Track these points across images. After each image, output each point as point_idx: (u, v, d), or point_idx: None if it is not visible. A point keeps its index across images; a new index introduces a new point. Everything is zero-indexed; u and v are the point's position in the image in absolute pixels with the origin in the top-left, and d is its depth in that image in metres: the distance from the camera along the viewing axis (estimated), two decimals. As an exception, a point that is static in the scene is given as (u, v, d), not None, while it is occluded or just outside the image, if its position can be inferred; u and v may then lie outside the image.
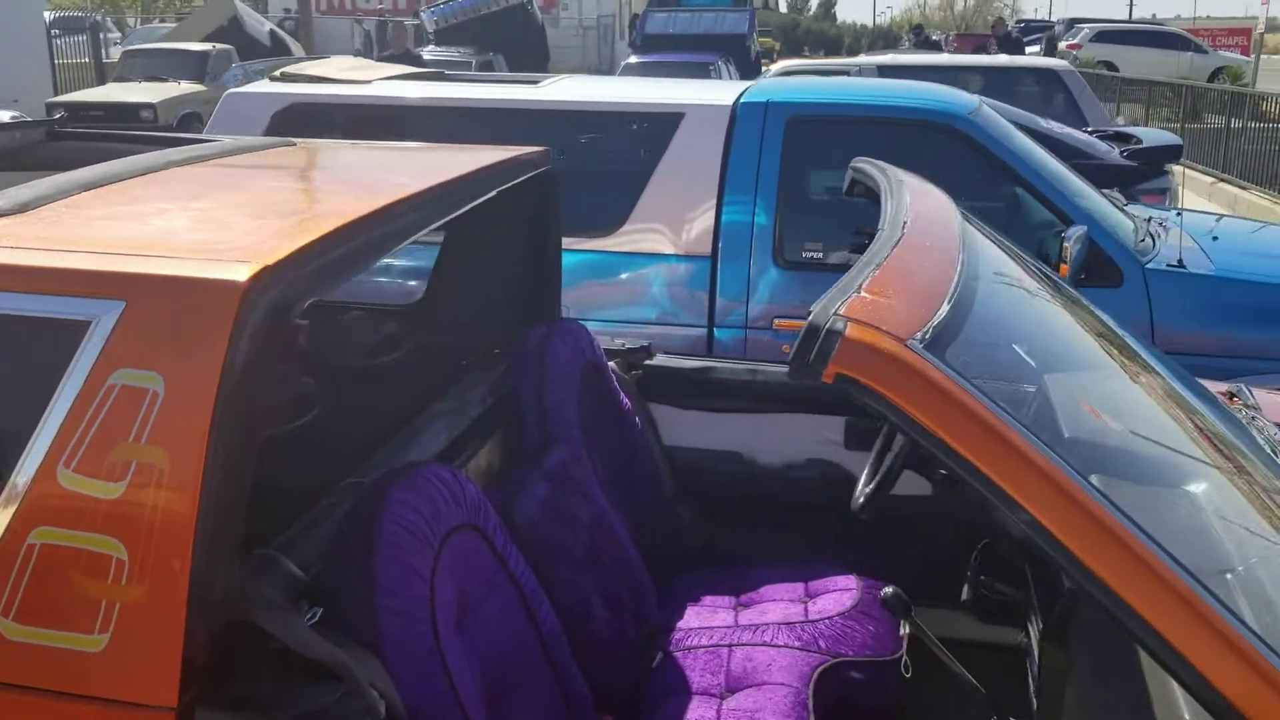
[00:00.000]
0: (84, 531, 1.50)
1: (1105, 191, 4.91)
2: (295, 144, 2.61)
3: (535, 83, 4.68)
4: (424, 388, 2.51)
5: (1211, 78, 23.14)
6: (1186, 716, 1.50)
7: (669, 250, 4.16)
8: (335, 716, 1.49)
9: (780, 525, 3.00)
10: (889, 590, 2.22)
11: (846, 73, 9.51)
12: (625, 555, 2.48)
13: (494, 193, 2.30)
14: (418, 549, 1.74)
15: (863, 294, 1.49)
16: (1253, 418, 2.31)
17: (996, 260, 2.11)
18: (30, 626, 1.52)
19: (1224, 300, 3.91)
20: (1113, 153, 6.76)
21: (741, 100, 4.24)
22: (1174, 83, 14.37)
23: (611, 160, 4.46)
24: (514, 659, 1.98)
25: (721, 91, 4.41)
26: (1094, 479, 1.39)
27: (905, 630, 2.30)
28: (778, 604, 2.69)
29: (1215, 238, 4.47)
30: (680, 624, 2.61)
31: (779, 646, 2.46)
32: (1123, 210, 4.66)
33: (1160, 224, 4.56)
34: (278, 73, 4.64)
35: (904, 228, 1.79)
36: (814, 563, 2.81)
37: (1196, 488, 1.98)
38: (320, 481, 2.01)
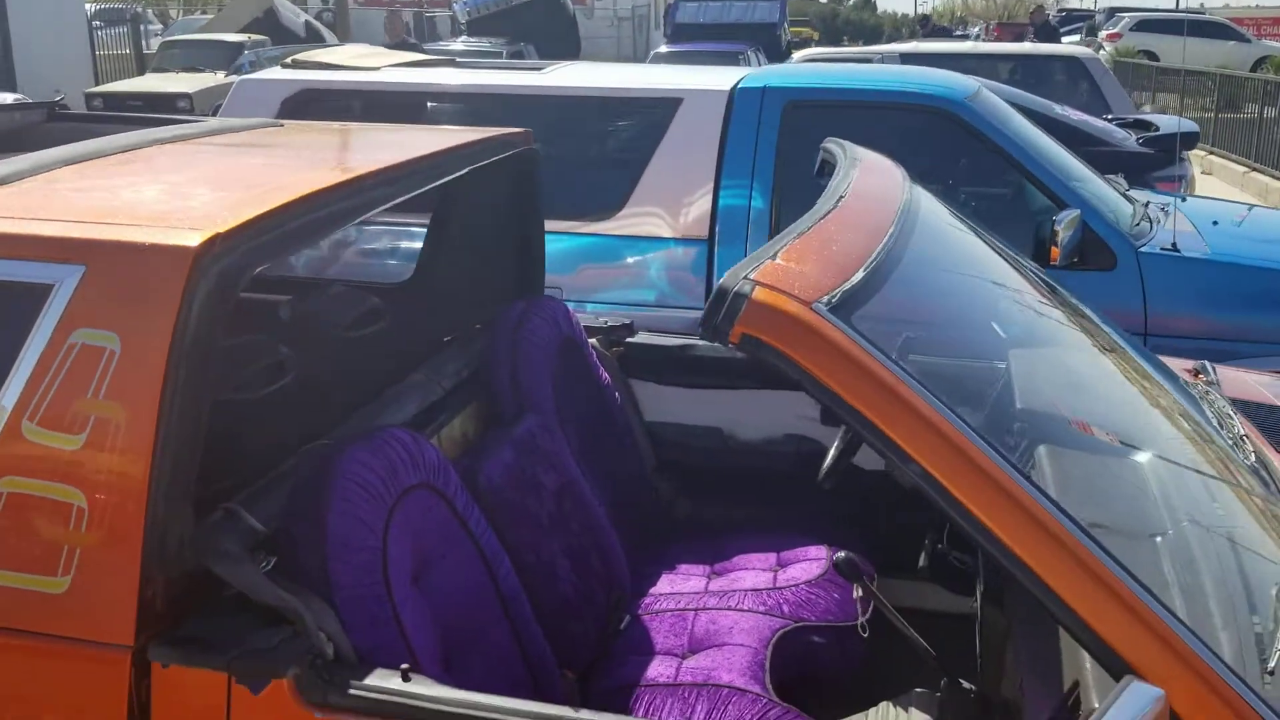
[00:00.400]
0: (47, 481, 1.61)
1: (1109, 177, 4.92)
2: (282, 124, 2.71)
3: (540, 69, 4.76)
4: (403, 360, 2.60)
5: (1254, 67, 22.79)
6: (1088, 667, 1.56)
7: (667, 234, 4.23)
8: (282, 655, 1.59)
9: (758, 498, 3.07)
10: (841, 555, 2.28)
11: (869, 60, 9.51)
12: (595, 522, 2.56)
13: (465, 171, 2.38)
14: (370, 504, 1.83)
15: (777, 260, 1.56)
16: (1206, 392, 2.35)
17: (944, 238, 2.17)
18: (-2, 569, 1.62)
19: (1218, 284, 3.93)
20: (1129, 140, 6.74)
21: (739, 86, 4.30)
22: (1208, 71, 14.18)
23: (612, 145, 4.54)
24: (473, 614, 2.07)
25: (720, 77, 4.47)
26: (993, 437, 1.46)
27: (859, 593, 2.37)
28: (749, 572, 2.76)
29: (1215, 222, 4.48)
30: (653, 590, 2.69)
31: (744, 611, 2.54)
32: (1125, 195, 4.67)
33: (1162, 209, 4.57)
34: (288, 60, 4.76)
35: (838, 202, 1.86)
36: (788, 534, 2.88)
37: (1125, 452, 2.04)
38: (291, 444, 2.11)
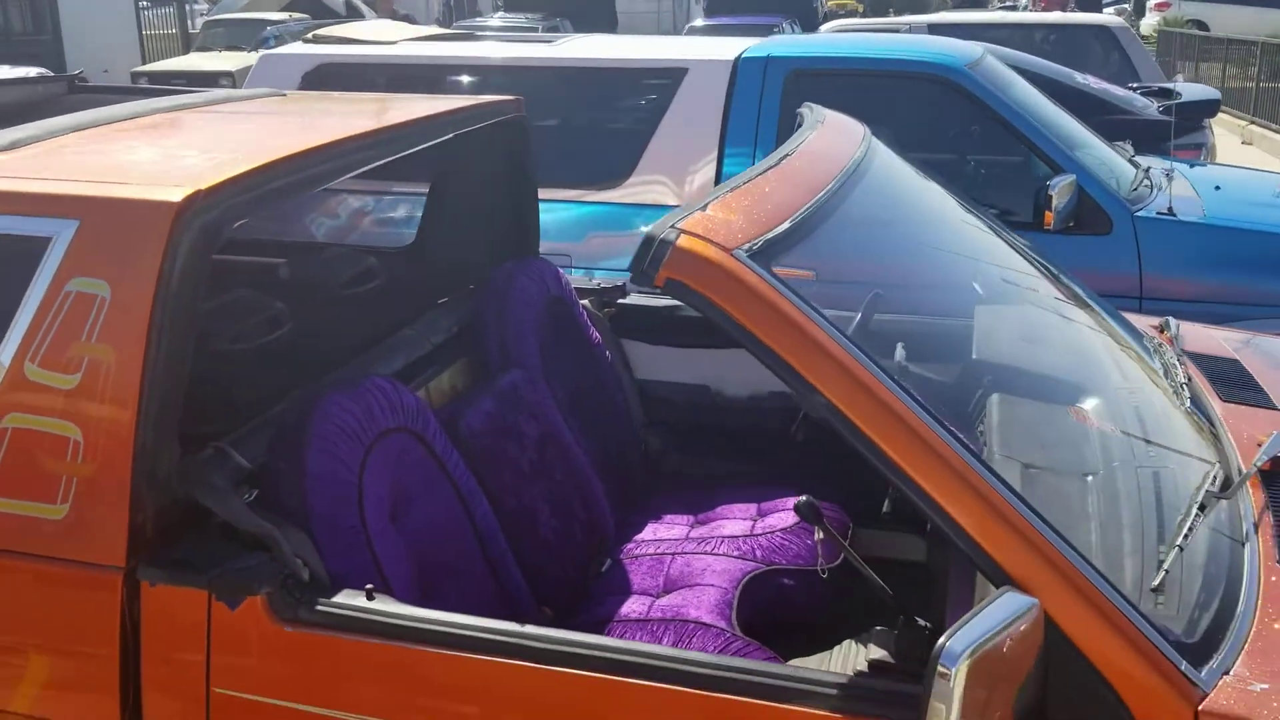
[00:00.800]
0: (47, 417, 1.77)
1: (1117, 144, 4.95)
2: (285, 95, 2.86)
3: (550, 41, 4.88)
4: (400, 319, 2.75)
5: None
6: None
7: (673, 202, 4.35)
8: (258, 575, 1.74)
9: (743, 453, 3.19)
10: (802, 499, 2.40)
11: (896, 31, 9.52)
12: (579, 471, 2.70)
13: (450, 136, 2.51)
14: (347, 443, 1.98)
15: (707, 211, 1.68)
16: (1160, 345, 2.44)
17: (895, 196, 2.27)
18: (3, 499, 1.79)
19: (1212, 248, 3.97)
20: (1150, 108, 6.73)
21: (743, 55, 4.39)
22: (1253, 40, 13.96)
23: (620, 115, 4.65)
24: (450, 549, 2.22)
25: (725, 47, 4.57)
26: (898, 369, 1.57)
27: (819, 536, 2.49)
28: (730, 521, 2.89)
29: (1218, 187, 4.51)
30: (637, 536, 2.83)
31: (719, 555, 2.67)
32: (1130, 161, 4.71)
33: (1166, 174, 4.60)
34: (309, 35, 4.91)
35: (781, 160, 1.97)
36: (772, 486, 3.00)
37: (1068, 399, 2.14)
38: (282, 391, 2.26)
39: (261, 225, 4.22)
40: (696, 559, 2.65)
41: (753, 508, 2.95)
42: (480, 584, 2.27)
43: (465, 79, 4.58)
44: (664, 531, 2.88)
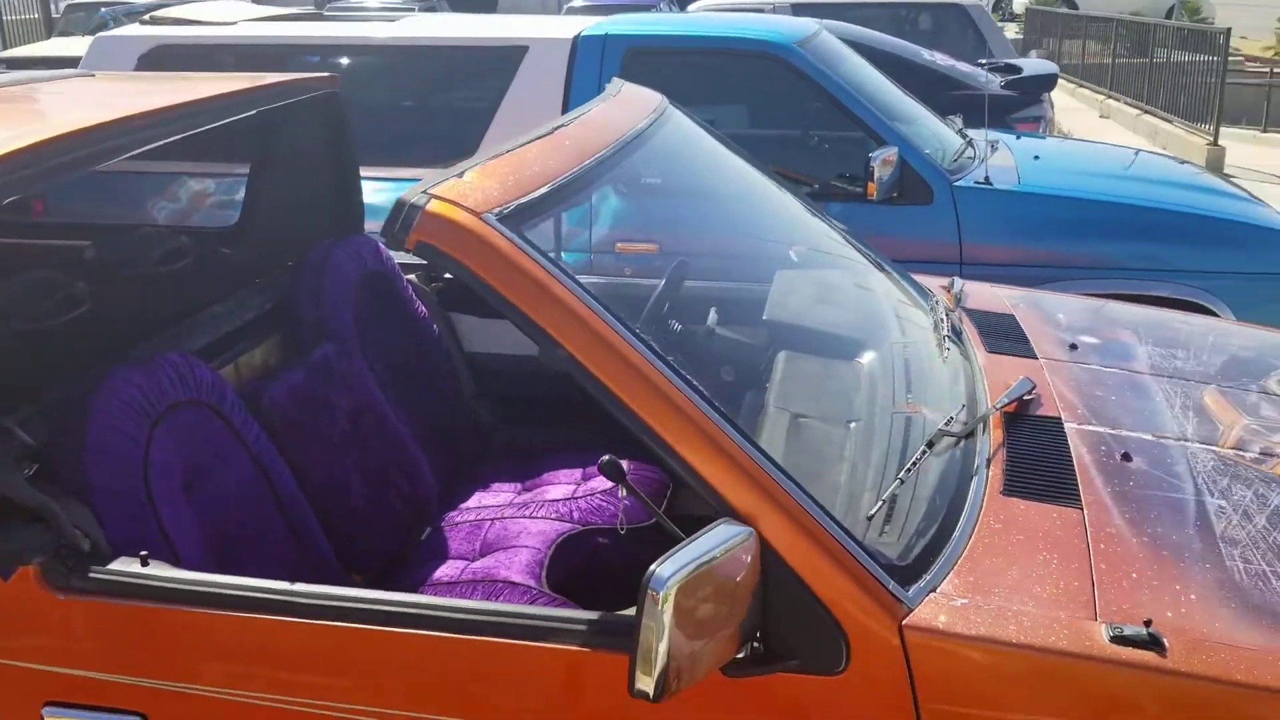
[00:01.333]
0: None
1: (949, 118, 5.15)
2: (94, 75, 2.84)
3: (392, 20, 4.89)
4: (210, 296, 2.76)
5: (1168, 14, 23.23)
6: None
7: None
8: (31, 546, 1.76)
9: (574, 422, 3.27)
10: (605, 459, 2.50)
11: (761, 11, 9.68)
12: (397, 442, 2.75)
13: (252, 114, 2.53)
14: (132, 417, 2.01)
15: (463, 177, 1.75)
16: (937, 302, 2.58)
17: (679, 165, 2.37)
18: None
19: (1025, 214, 4.18)
20: (993, 83, 7.00)
21: (582, 34, 4.46)
22: (1112, 17, 14.51)
23: (463, 93, 4.69)
24: (250, 518, 2.26)
25: (565, 25, 4.63)
26: (645, 325, 1.66)
27: (624, 493, 2.59)
28: (555, 486, 2.97)
29: (1037, 157, 4.73)
30: (463, 505, 2.90)
31: (537, 518, 2.75)
32: (959, 134, 4.91)
33: (991, 146, 4.81)
34: (147, 16, 4.84)
35: (552, 130, 2.05)
36: (600, 452, 3.09)
37: (838, 353, 2.27)
38: (82, 369, 2.27)
39: (96, 209, 4.18)
40: (514, 523, 2.73)
41: (578, 473, 3.04)
42: (282, 552, 2.31)
43: (309, 59, 4.57)
44: (489, 499, 2.95)
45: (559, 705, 1.63)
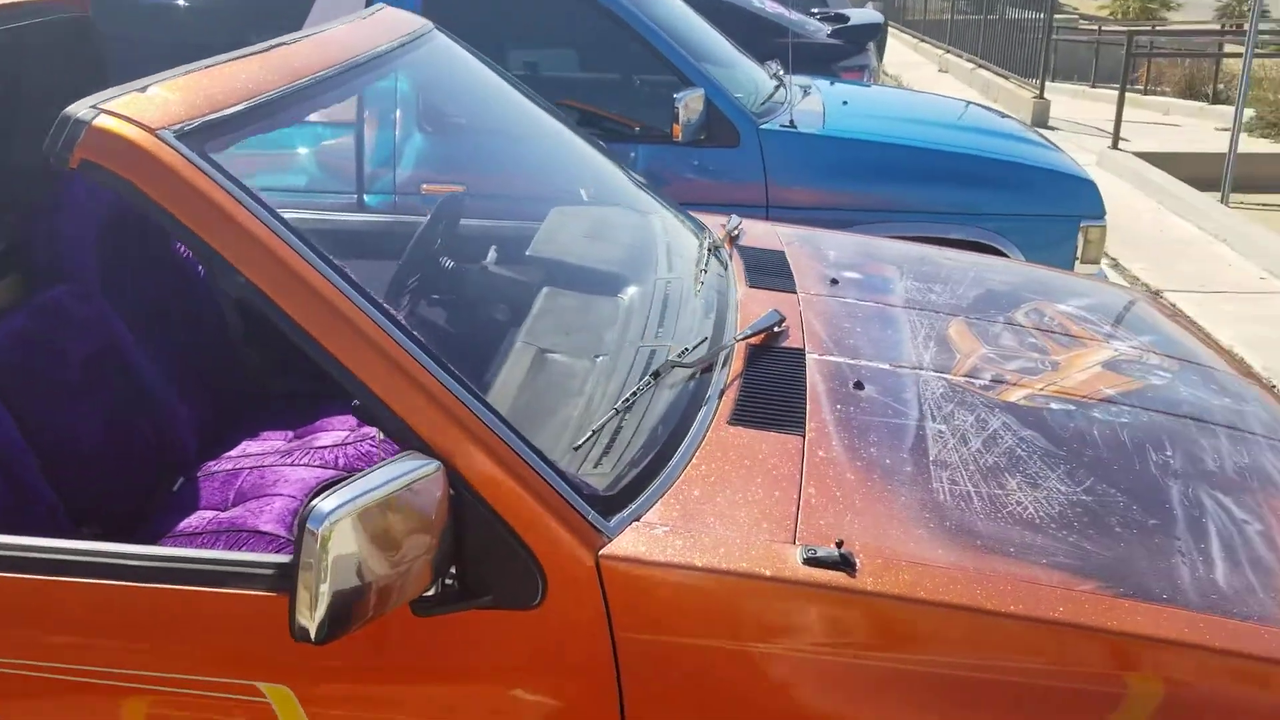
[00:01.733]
0: None
1: (768, 63, 5.15)
2: None
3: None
4: None
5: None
6: None
7: (316, 119, 4.22)
8: None
9: None
10: (356, 401, 2.41)
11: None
12: (143, 389, 2.60)
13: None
14: None
15: (146, 91, 1.62)
16: (706, 239, 2.55)
17: (433, 95, 2.27)
18: None
19: (825, 158, 4.20)
20: (821, 32, 7.05)
21: (382, -33, 4.28)
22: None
23: (262, 32, 4.46)
24: (-36, 468, 2.10)
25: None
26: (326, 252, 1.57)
27: (380, 436, 2.51)
28: (328, 433, 2.86)
29: (845, 103, 4.76)
30: (226, 454, 2.76)
31: (299, 466, 2.63)
32: (774, 78, 4.90)
33: (804, 90, 4.82)
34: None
35: (271, 47, 1.93)
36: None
37: (593, 286, 2.22)
38: None
39: None
40: (273, 471, 2.61)
41: (354, 420, 2.93)
42: None
43: None
44: (254, 448, 2.82)
45: (245, 652, 1.53)
